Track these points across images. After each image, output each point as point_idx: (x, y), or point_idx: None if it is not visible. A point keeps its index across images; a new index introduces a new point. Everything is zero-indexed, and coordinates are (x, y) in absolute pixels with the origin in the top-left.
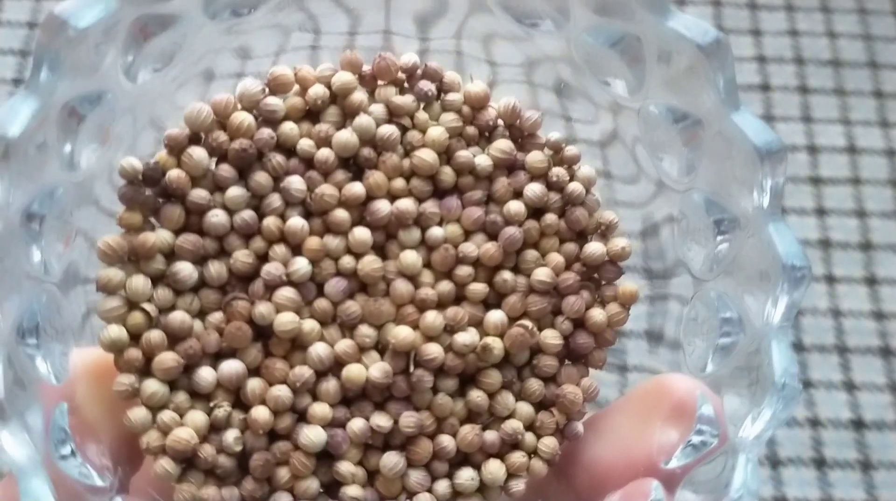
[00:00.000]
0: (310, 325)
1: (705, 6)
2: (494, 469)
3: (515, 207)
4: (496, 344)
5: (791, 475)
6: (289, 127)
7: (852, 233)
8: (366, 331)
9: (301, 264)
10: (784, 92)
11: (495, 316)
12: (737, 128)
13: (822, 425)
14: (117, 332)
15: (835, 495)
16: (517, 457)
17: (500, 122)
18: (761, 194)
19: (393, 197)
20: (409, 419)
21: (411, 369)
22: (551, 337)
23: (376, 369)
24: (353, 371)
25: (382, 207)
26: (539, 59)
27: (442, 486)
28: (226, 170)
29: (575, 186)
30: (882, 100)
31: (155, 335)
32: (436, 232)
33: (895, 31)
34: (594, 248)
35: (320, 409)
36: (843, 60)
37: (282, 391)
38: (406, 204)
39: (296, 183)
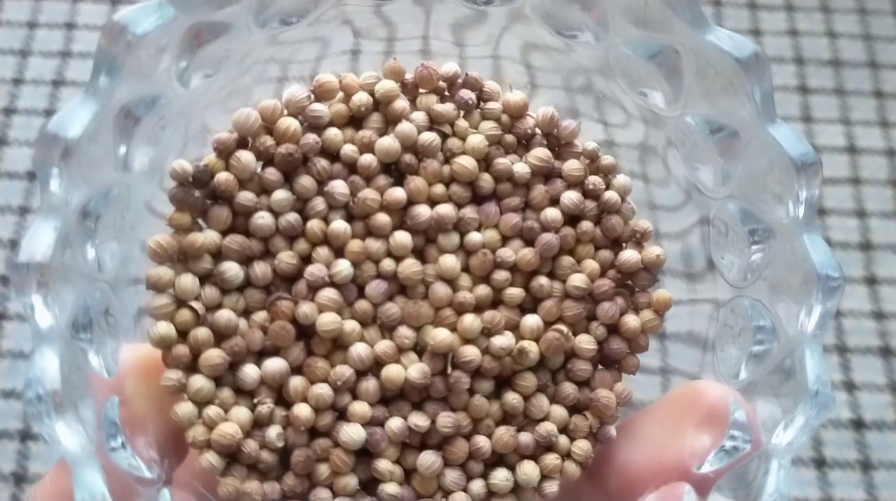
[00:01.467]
0: (351, 325)
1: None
2: (529, 470)
3: (552, 214)
4: (532, 348)
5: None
6: (333, 133)
7: (852, 233)
8: (405, 332)
9: (343, 266)
10: (784, 92)
11: (531, 320)
12: (773, 140)
13: (823, 425)
14: (166, 329)
15: (835, 495)
16: (551, 459)
17: (538, 130)
18: (797, 205)
19: (433, 202)
20: (446, 420)
21: (449, 370)
22: (586, 342)
23: (415, 369)
24: (393, 372)
25: (423, 211)
26: (574, 68)
27: (477, 486)
28: (272, 173)
29: (611, 195)
30: (882, 100)
31: (202, 333)
32: (474, 237)
33: (895, 31)
34: (629, 255)
35: (360, 408)
36: (843, 60)
37: (323, 390)
38: (446, 209)
39: (339, 187)
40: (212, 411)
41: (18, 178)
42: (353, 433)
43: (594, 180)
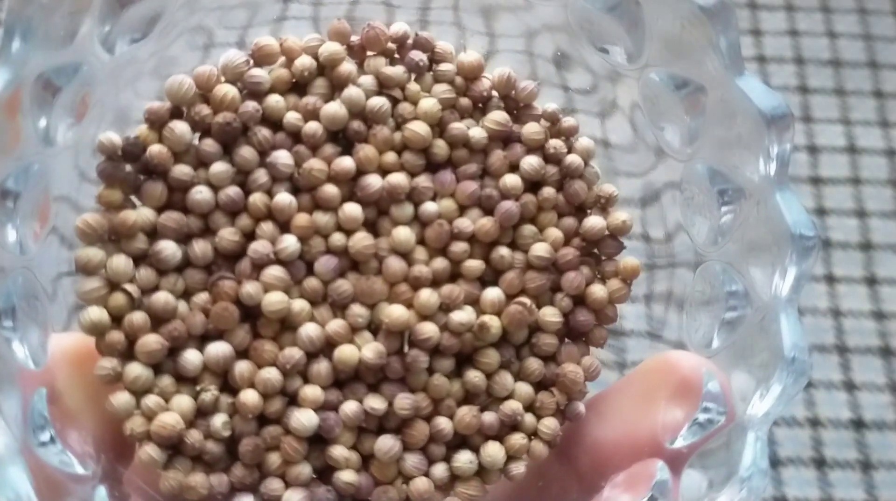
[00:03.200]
0: (299, 305)
1: None
2: (493, 451)
3: (511, 180)
4: (493, 322)
5: (791, 475)
6: (274, 100)
7: (852, 233)
8: (358, 311)
9: (289, 242)
10: (784, 92)
11: (492, 293)
12: (741, 93)
13: (822, 425)
14: (98, 314)
15: (835, 495)
16: (517, 439)
17: (495, 93)
18: (768, 162)
19: (384, 171)
20: (404, 401)
21: (406, 349)
22: (550, 315)
23: (369, 349)
24: (346, 352)
25: (373, 181)
26: (537, 28)
27: (439, 470)
28: (209, 145)
29: (573, 159)
30: (882, 100)
31: (137, 317)
32: (429, 207)
33: (895, 31)
34: (594, 222)
35: (311, 392)
36: (843, 60)
37: (271, 374)
38: (398, 178)
39: (283, 158)
40: (151, 400)
41: None
42: (304, 418)
43: (555, 144)
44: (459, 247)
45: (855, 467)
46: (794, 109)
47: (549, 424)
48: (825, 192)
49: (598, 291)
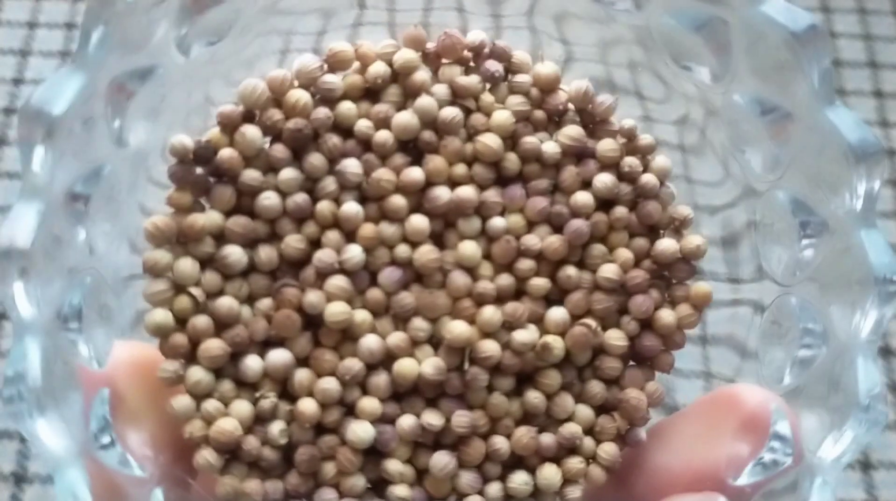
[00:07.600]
0: (361, 316)
1: None
2: (550, 474)
3: (583, 198)
4: (556, 343)
5: None
6: (346, 107)
7: None
8: (419, 324)
9: (354, 252)
10: None
11: (557, 313)
12: (830, 124)
13: None
14: (163, 316)
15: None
16: (574, 463)
17: (571, 106)
18: (854, 198)
19: (453, 184)
20: (461, 419)
21: (466, 366)
22: (616, 338)
23: (429, 364)
24: (405, 366)
25: (442, 194)
26: (612, 39)
27: (494, 489)
28: (280, 150)
29: (648, 178)
30: (882, 100)
31: (201, 321)
32: (497, 222)
33: (895, 31)
34: (666, 244)
35: (369, 404)
36: (843, 60)
37: (330, 384)
38: (467, 192)
39: (352, 166)
40: (210, 405)
41: (19, 178)
42: (361, 431)
43: (630, 162)
44: (526, 264)
45: (855, 467)
46: None
47: (609, 449)
48: None
49: (666, 316)
